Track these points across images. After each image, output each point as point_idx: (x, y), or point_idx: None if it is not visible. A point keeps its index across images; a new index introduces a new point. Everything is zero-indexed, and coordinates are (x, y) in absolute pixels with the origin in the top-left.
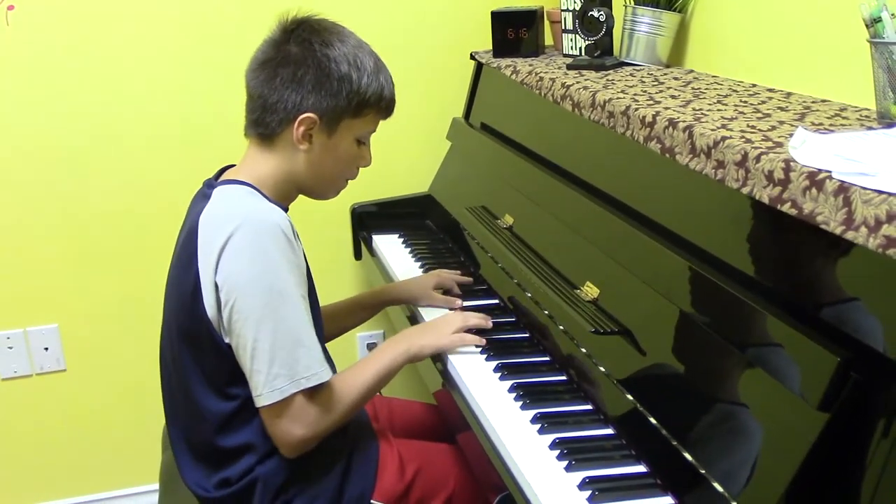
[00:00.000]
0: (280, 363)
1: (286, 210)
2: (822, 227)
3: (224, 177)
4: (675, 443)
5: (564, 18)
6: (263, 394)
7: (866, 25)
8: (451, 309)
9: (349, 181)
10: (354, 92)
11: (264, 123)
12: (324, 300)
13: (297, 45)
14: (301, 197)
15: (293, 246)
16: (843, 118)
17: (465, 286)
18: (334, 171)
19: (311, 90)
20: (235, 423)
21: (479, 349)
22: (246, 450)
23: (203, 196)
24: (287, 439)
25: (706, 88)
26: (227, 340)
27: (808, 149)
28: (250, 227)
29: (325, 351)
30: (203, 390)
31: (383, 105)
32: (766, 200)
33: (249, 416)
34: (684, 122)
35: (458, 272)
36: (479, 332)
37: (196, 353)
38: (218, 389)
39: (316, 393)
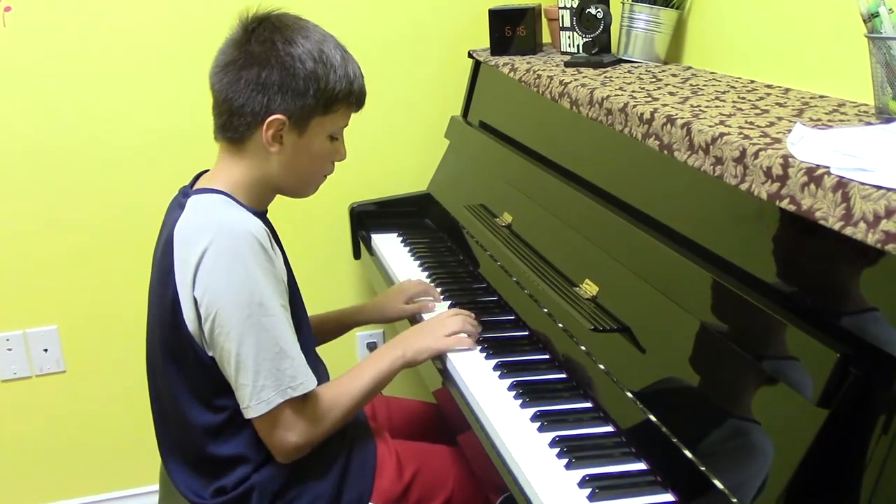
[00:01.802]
0: (265, 375)
1: (265, 213)
2: (821, 222)
3: (199, 184)
4: (674, 440)
5: (562, 16)
6: (251, 406)
7: (864, 21)
8: (428, 311)
9: (328, 176)
10: (322, 89)
11: (232, 127)
12: (323, 300)
13: (258, 45)
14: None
15: (269, 255)
16: (842, 114)
17: (466, 286)
18: (309, 170)
19: (276, 91)
20: (226, 434)
21: (479, 348)
22: (239, 460)
23: (178, 205)
24: (283, 447)
25: (704, 85)
26: (210, 354)
27: (806, 145)
28: (225, 239)
29: (316, 356)
30: (190, 402)
31: (353, 99)
32: (764, 196)
33: (239, 426)
34: (682, 118)
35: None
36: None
37: (180, 367)
38: (205, 401)
39: (307, 400)
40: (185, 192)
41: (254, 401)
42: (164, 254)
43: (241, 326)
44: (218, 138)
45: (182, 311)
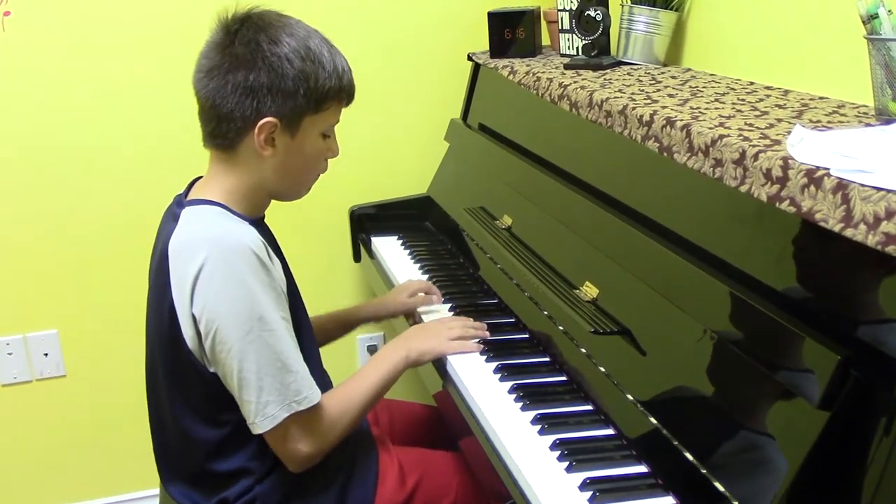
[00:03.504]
0: (268, 390)
1: (262, 219)
2: (821, 224)
3: (192, 192)
4: (675, 442)
5: (561, 18)
6: (256, 422)
7: (863, 22)
8: (431, 303)
9: (321, 176)
10: (312, 88)
11: (222, 134)
12: (323, 303)
13: (243, 47)
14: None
15: (267, 267)
16: (841, 115)
17: (466, 289)
18: (303, 171)
19: (266, 94)
20: (229, 449)
21: (479, 351)
22: (242, 473)
23: (172, 217)
24: (294, 458)
25: (704, 87)
26: (211, 370)
27: (806, 146)
28: (221, 254)
29: (319, 365)
30: (192, 419)
31: (343, 95)
32: (764, 198)
33: (243, 440)
34: (682, 120)
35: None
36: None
37: (181, 384)
38: (207, 417)
39: (313, 411)
40: (179, 202)
41: (259, 417)
42: (159, 268)
43: (241, 342)
44: (207, 146)
45: (181, 328)
